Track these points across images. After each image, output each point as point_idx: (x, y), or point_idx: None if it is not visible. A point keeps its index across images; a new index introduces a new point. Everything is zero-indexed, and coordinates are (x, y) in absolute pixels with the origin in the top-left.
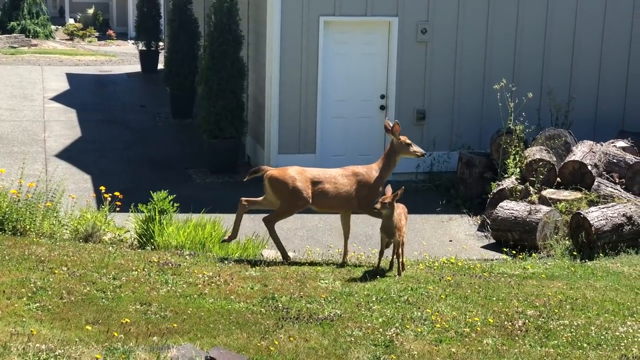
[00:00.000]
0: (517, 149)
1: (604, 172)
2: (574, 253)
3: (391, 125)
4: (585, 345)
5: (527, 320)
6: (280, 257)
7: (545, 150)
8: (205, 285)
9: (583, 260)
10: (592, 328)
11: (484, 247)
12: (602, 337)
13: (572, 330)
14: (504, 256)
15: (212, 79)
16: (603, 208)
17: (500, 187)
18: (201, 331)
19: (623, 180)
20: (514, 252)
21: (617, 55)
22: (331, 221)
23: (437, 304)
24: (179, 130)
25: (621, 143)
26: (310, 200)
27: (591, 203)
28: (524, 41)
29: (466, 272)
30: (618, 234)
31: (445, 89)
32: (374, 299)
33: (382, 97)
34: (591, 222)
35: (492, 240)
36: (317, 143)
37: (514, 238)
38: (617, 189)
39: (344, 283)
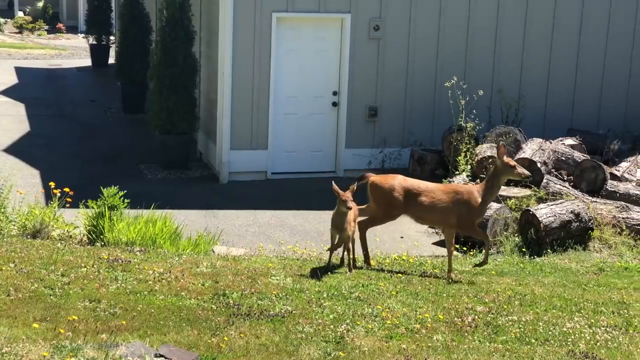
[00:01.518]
0: (468, 146)
1: (552, 170)
2: (523, 249)
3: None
4: (533, 340)
5: (476, 316)
6: (232, 255)
7: (496, 147)
8: (156, 281)
9: (532, 257)
10: (540, 324)
11: (435, 243)
12: (550, 332)
13: (520, 326)
14: (455, 253)
15: (164, 74)
16: (552, 205)
17: None
18: (151, 328)
19: (571, 177)
20: (464, 248)
21: (565, 54)
22: (283, 217)
23: (388, 300)
24: (130, 126)
25: (570, 141)
26: (406, 210)
27: (540, 200)
28: (475, 39)
29: (417, 269)
30: (566, 230)
31: (398, 86)
32: (325, 295)
33: (335, 93)
34: (540, 219)
35: (443, 237)
36: (270, 139)
37: (465, 235)
38: (565, 186)
39: (295, 279)
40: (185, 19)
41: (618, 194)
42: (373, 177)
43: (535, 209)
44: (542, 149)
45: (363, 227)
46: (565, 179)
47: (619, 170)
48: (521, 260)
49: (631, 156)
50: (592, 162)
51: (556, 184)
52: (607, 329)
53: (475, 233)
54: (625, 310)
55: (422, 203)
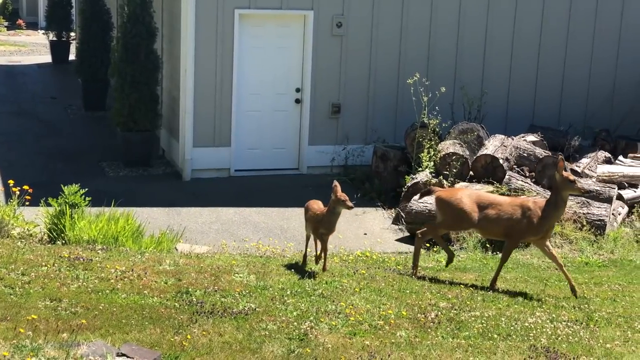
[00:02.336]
0: (431, 142)
1: (514, 166)
2: (487, 245)
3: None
4: (495, 336)
5: (439, 313)
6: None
7: (459, 144)
8: (118, 280)
9: (494, 253)
10: (503, 319)
11: (399, 240)
12: (512, 327)
13: (483, 321)
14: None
15: (125, 71)
16: None
17: (415, 181)
18: (113, 327)
19: (533, 173)
20: (427, 245)
21: (527, 51)
22: (246, 215)
23: (352, 297)
24: (91, 123)
25: (531, 137)
26: (476, 223)
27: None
28: (438, 36)
29: (380, 265)
30: None
31: (361, 83)
32: (288, 292)
33: (298, 90)
34: None
35: (407, 233)
36: (233, 136)
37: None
38: (527, 183)
39: (259, 277)
40: (147, 16)
41: None
42: (439, 192)
43: None
44: (504, 146)
45: (424, 236)
46: (527, 175)
47: (579, 167)
48: (484, 256)
49: (591, 152)
50: (553, 158)
51: (518, 180)
52: (569, 324)
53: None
54: (586, 305)
55: (488, 215)
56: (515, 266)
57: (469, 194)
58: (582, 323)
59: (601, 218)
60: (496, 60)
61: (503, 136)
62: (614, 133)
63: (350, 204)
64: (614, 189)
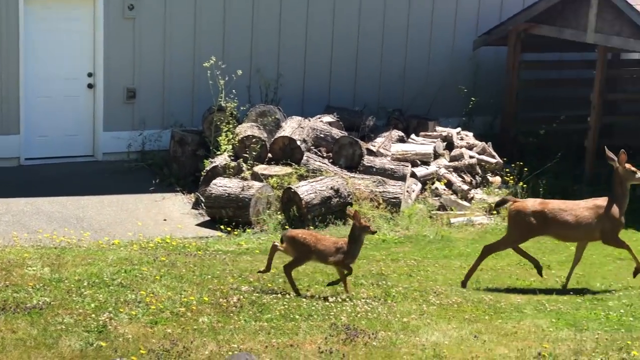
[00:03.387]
0: (229, 126)
1: (312, 147)
2: (286, 227)
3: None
4: (297, 316)
5: (241, 296)
6: None
7: (257, 126)
8: None
9: None
10: (304, 300)
11: (199, 224)
12: (313, 307)
13: (285, 303)
14: (219, 233)
15: None
16: (312, 182)
17: (214, 165)
18: None
19: (330, 154)
20: (228, 228)
21: (321, 33)
22: (39, 204)
23: (152, 285)
24: None
25: (328, 118)
26: (549, 230)
27: (301, 177)
28: (233, 19)
29: (181, 251)
30: (327, 206)
31: (156, 67)
32: (85, 284)
33: (90, 75)
34: (301, 196)
35: (207, 218)
36: (22, 124)
37: (229, 215)
38: (325, 163)
39: (54, 269)
40: None
41: (375, 169)
42: (516, 204)
43: (297, 187)
44: (302, 127)
45: (489, 252)
46: (325, 155)
47: (375, 146)
48: None
49: (386, 132)
50: (349, 138)
51: (316, 161)
52: (367, 301)
53: (617, 244)
54: (384, 282)
55: (565, 221)
56: None
57: (540, 203)
58: (380, 299)
59: (396, 196)
60: (291, 43)
61: (300, 118)
62: (406, 113)
63: (374, 228)
64: (408, 166)
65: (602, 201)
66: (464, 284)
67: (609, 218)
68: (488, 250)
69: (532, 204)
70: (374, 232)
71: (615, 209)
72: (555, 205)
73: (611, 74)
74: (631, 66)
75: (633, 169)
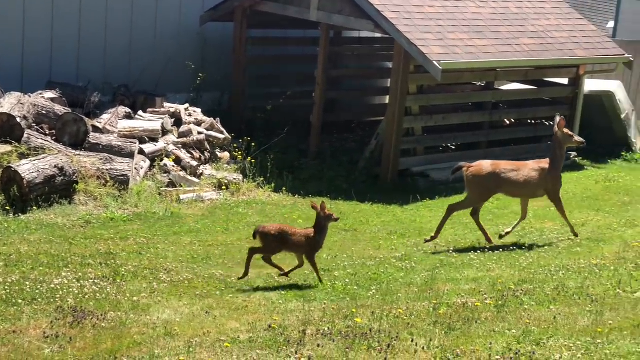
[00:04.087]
0: None
1: (34, 124)
2: (7, 208)
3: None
4: (20, 301)
5: None
6: None
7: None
8: None
9: (17, 215)
10: (27, 283)
11: None
12: (37, 290)
13: (6, 287)
14: None
15: None
16: (35, 160)
17: None
18: None
19: (54, 131)
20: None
21: (40, 5)
22: None
23: None
24: None
25: (50, 94)
26: (502, 189)
27: (22, 156)
28: None
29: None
30: (51, 185)
31: None
32: None
33: None
34: (23, 175)
35: None
36: None
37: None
38: (48, 141)
39: None
40: None
41: (101, 146)
42: (472, 168)
43: (17, 166)
44: (22, 103)
45: (452, 210)
46: (48, 133)
47: (100, 122)
48: (5, 219)
49: (112, 108)
50: (73, 115)
51: (38, 138)
52: (96, 281)
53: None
54: (113, 261)
55: (517, 181)
56: (40, 227)
57: (492, 164)
58: (109, 279)
59: (124, 173)
60: (8, 15)
61: (20, 94)
62: (133, 89)
63: (336, 216)
64: (136, 143)
65: (545, 163)
66: (427, 241)
67: (552, 177)
68: (452, 209)
69: (485, 167)
70: (337, 220)
71: (555, 169)
72: (506, 166)
73: (334, 51)
74: (352, 44)
75: (570, 133)
